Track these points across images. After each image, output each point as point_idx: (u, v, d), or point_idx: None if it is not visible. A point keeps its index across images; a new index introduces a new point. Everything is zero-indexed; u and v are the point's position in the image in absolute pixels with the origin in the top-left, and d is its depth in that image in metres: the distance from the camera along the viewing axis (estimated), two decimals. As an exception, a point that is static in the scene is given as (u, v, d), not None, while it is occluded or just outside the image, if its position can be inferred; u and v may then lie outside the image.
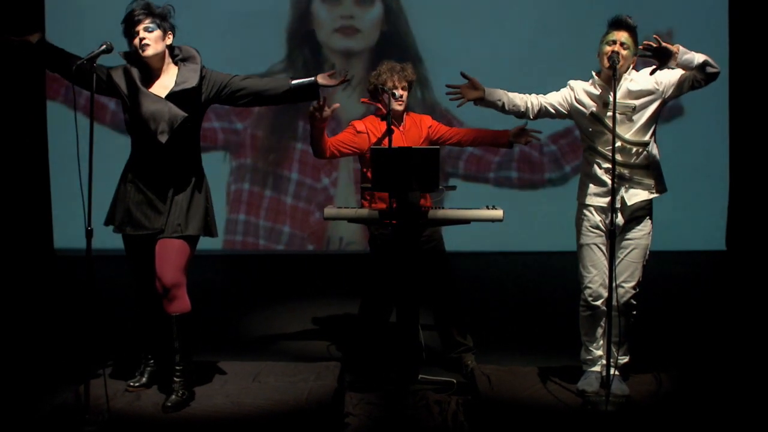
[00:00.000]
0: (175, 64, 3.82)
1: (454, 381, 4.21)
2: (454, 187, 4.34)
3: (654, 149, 3.91)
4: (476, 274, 6.92)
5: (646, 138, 3.86)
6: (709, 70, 3.66)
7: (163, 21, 3.75)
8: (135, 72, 3.76)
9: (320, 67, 7.58)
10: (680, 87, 3.82)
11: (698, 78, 3.75)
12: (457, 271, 4.58)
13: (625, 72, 3.82)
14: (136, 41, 3.70)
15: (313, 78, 3.95)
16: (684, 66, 3.68)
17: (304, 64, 7.71)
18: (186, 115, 3.72)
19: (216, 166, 7.35)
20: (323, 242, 7.82)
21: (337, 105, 4.13)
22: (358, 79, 7.48)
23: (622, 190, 3.84)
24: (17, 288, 6.34)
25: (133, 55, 3.76)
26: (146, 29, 3.70)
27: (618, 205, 3.85)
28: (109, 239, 4.15)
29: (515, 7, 7.62)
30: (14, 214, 7.41)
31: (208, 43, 6.35)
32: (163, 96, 3.74)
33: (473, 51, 7.44)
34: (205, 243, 4.00)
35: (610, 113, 3.78)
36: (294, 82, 3.94)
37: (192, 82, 3.75)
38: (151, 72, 3.79)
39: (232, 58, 7.00)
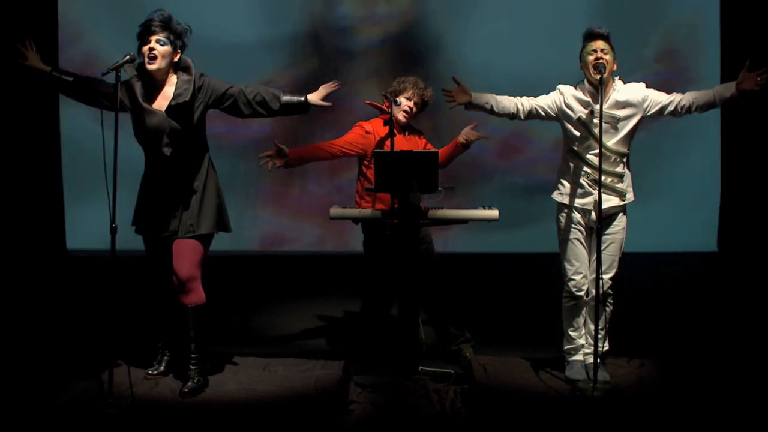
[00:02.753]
0: (175, 73, 3.98)
1: (453, 372, 4.36)
2: (452, 188, 4.53)
3: (626, 162, 4.14)
4: (477, 273, 7.10)
5: (625, 149, 4.10)
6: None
7: (177, 39, 3.92)
8: (138, 86, 3.93)
9: (324, 66, 7.63)
10: (663, 109, 4.09)
11: (685, 110, 4.08)
12: (458, 270, 4.73)
13: (609, 76, 4.04)
14: (146, 49, 3.87)
15: (303, 98, 4.11)
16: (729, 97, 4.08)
17: (309, 63, 7.70)
18: (184, 126, 3.92)
19: (225, 168, 7.51)
20: (330, 245, 7.86)
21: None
22: (361, 80, 7.57)
23: (597, 194, 4.03)
24: (32, 286, 6.52)
25: (140, 66, 3.93)
26: (158, 41, 3.86)
27: (591, 208, 4.09)
28: (121, 241, 4.34)
29: (528, 2, 7.68)
30: (28, 216, 7.55)
31: (210, 42, 6.49)
32: (164, 108, 3.92)
33: (484, 49, 7.49)
34: (215, 245, 4.19)
35: (596, 120, 4.01)
36: (285, 99, 4.08)
37: (185, 96, 3.92)
38: (155, 83, 3.97)
39: (234, 56, 7.14)
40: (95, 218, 7.43)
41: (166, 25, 3.89)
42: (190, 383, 4.01)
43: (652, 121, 4.30)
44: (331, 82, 4.23)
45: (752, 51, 7.10)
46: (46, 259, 7.45)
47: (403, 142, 4.45)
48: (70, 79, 3.96)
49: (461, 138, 4.52)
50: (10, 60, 6.62)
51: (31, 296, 6.23)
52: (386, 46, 7.74)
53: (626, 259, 4.69)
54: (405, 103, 4.47)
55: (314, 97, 4.16)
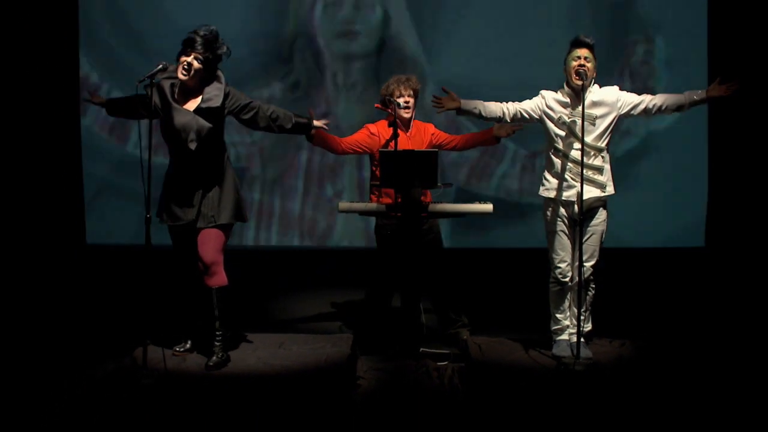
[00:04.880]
0: (204, 81, 4.33)
1: (451, 352, 4.68)
2: (450, 184, 4.88)
3: (607, 156, 4.51)
4: (473, 268, 7.30)
5: (603, 144, 4.48)
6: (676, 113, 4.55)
7: (215, 59, 4.26)
8: (167, 88, 4.29)
9: (322, 72, 7.87)
10: (635, 107, 4.49)
11: (657, 109, 4.45)
12: (460, 263, 4.96)
13: (589, 83, 4.41)
14: (183, 60, 4.22)
15: (309, 120, 4.58)
16: (699, 101, 4.48)
17: (306, 67, 7.91)
18: (211, 126, 4.31)
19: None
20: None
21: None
22: (361, 84, 7.79)
23: (579, 186, 4.39)
24: (58, 278, 6.87)
25: (173, 72, 4.30)
26: (197, 58, 4.21)
27: (574, 200, 4.45)
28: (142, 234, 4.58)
29: (513, 13, 7.86)
30: (49, 211, 7.78)
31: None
32: (192, 109, 4.29)
33: (471, 54, 7.71)
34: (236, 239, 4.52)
35: (575, 120, 4.39)
36: (296, 120, 4.54)
37: (216, 102, 4.30)
38: (186, 87, 4.34)
39: (234, 62, 7.45)
40: (114, 213, 7.85)
41: (209, 46, 4.23)
42: (214, 358, 4.36)
43: (639, 118, 4.64)
44: (323, 120, 4.69)
45: (737, 64, 7.38)
46: (67, 252, 7.70)
47: (406, 142, 4.80)
48: (116, 103, 4.53)
49: (502, 132, 4.89)
50: (32, 62, 6.94)
51: (57, 287, 6.56)
52: (375, 54, 7.93)
53: (614, 254, 4.97)
54: (401, 101, 4.79)
55: (318, 124, 4.62)
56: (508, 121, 4.61)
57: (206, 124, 4.29)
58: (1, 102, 7.64)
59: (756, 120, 7.78)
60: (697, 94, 4.49)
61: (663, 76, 7.98)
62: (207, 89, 4.32)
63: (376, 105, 4.96)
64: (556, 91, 4.53)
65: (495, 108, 4.58)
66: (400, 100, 4.78)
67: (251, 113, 4.43)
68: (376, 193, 4.88)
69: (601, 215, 4.56)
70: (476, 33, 7.89)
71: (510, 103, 4.59)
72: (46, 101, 7.76)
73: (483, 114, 4.59)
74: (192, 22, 4.42)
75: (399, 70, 7.58)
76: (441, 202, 4.74)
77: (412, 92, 4.83)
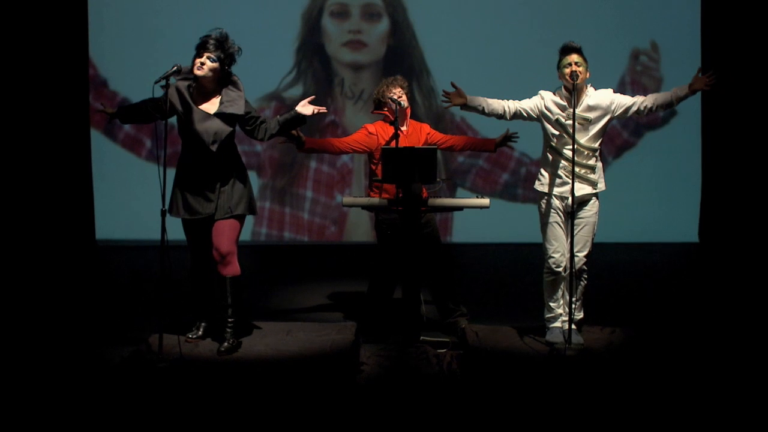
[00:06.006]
0: (222, 84, 4.53)
1: (449, 340, 4.83)
2: (450, 180, 5.08)
3: (598, 156, 4.72)
4: (473, 261, 7.55)
5: (596, 145, 4.70)
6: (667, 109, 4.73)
7: (227, 58, 4.45)
8: (185, 90, 4.47)
9: (330, 79, 8.08)
10: (627, 110, 4.70)
11: (648, 109, 4.67)
12: (461, 258, 5.09)
13: (583, 84, 4.62)
14: (197, 61, 4.43)
15: (294, 112, 4.63)
16: (683, 96, 4.69)
17: (314, 76, 8.10)
18: (231, 129, 4.52)
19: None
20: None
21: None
22: (368, 93, 7.94)
23: (571, 183, 4.58)
24: (65, 274, 7.01)
25: (188, 74, 4.50)
26: (209, 58, 4.41)
27: (568, 195, 4.64)
28: (151, 230, 4.72)
29: (516, 21, 8.12)
30: (59, 208, 7.98)
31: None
32: (212, 112, 4.48)
33: (476, 62, 7.93)
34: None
35: (570, 121, 4.60)
36: (280, 118, 4.67)
37: (240, 110, 4.49)
38: (203, 89, 4.54)
39: (243, 69, 7.63)
40: (122, 210, 8.05)
41: (220, 45, 4.43)
42: (225, 344, 4.56)
43: (631, 117, 4.86)
44: (308, 99, 4.69)
45: (728, 60, 7.59)
46: (76, 249, 7.87)
47: (402, 140, 4.92)
48: (127, 110, 4.66)
49: (504, 143, 5.10)
50: (42, 59, 7.09)
51: (71, 281, 6.72)
52: (386, 60, 8.16)
53: (609, 248, 5.12)
54: (396, 98, 4.95)
55: (302, 110, 4.63)
56: (508, 118, 4.80)
57: (227, 128, 4.48)
58: (11, 100, 7.81)
59: (749, 117, 7.96)
60: (682, 90, 4.71)
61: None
62: (226, 92, 4.50)
63: (372, 111, 5.13)
64: (554, 93, 4.74)
65: (497, 106, 4.78)
66: (395, 97, 4.93)
67: (253, 126, 4.62)
68: (375, 191, 5.04)
69: (593, 207, 4.75)
70: (483, 39, 8.06)
71: (511, 101, 4.79)
72: (55, 98, 7.91)
73: (486, 111, 4.79)
74: (196, 27, 4.60)
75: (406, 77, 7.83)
76: (440, 197, 4.92)
77: (400, 89, 4.99)
